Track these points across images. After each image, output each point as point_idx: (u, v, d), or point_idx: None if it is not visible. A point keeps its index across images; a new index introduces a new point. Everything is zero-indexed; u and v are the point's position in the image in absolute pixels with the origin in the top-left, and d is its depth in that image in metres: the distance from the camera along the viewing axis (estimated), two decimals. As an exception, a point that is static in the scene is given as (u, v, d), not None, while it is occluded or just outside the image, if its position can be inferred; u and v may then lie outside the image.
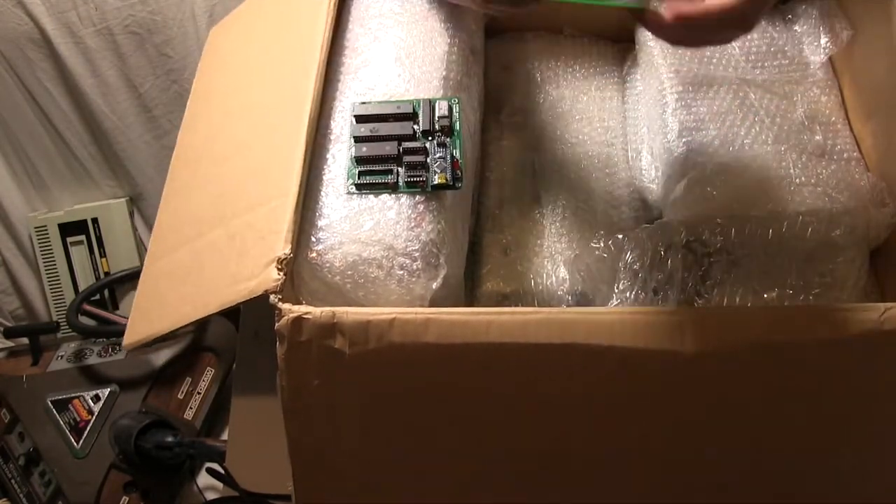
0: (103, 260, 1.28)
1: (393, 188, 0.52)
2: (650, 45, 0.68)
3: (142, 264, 1.29)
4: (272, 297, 0.44)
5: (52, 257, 1.27)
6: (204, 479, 1.05)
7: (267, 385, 0.48)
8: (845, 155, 0.61)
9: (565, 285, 0.61)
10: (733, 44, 0.66)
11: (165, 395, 1.08)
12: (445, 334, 0.44)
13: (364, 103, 0.57)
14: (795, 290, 0.53)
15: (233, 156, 0.57)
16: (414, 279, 0.50)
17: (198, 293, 0.51)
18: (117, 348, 1.11)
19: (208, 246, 0.52)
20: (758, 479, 0.50)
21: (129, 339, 0.55)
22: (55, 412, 1.05)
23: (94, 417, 1.05)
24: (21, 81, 1.15)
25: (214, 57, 0.72)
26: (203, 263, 0.52)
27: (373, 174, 0.53)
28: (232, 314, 1.06)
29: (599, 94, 0.72)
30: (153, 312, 0.55)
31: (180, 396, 1.09)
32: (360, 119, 0.56)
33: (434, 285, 0.51)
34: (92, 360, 1.10)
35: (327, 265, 0.50)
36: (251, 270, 0.47)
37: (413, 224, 0.51)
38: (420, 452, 0.49)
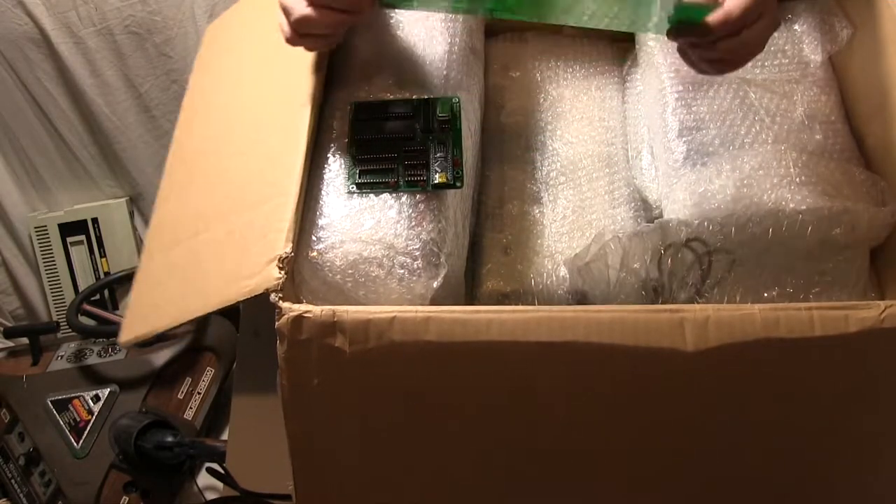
0: (103, 260, 1.28)
1: (393, 187, 0.52)
2: (650, 44, 0.68)
3: (142, 264, 1.30)
4: (273, 296, 0.44)
5: (52, 257, 1.27)
6: (204, 479, 1.05)
7: (267, 385, 0.48)
8: (845, 154, 0.61)
9: (565, 285, 0.61)
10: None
11: (165, 395, 1.08)
12: (445, 333, 0.44)
13: (365, 102, 0.57)
14: (795, 289, 0.53)
15: (233, 154, 0.57)
16: (415, 278, 0.50)
17: (197, 290, 0.51)
18: (117, 348, 1.11)
19: (207, 243, 0.52)
20: (758, 475, 0.50)
21: (125, 335, 0.54)
22: (55, 412, 1.05)
23: (94, 417, 1.05)
24: (21, 81, 1.15)
25: (212, 54, 0.72)
26: (202, 260, 0.52)
27: (373, 173, 0.53)
28: (232, 314, 1.06)
29: (599, 94, 0.72)
30: (151, 309, 0.55)
31: (180, 396, 1.09)
32: (361, 118, 0.56)
33: (435, 284, 0.50)
34: (92, 360, 1.10)
35: (328, 264, 0.50)
36: (252, 269, 0.47)
37: (414, 223, 0.51)
38: (420, 451, 0.49)
